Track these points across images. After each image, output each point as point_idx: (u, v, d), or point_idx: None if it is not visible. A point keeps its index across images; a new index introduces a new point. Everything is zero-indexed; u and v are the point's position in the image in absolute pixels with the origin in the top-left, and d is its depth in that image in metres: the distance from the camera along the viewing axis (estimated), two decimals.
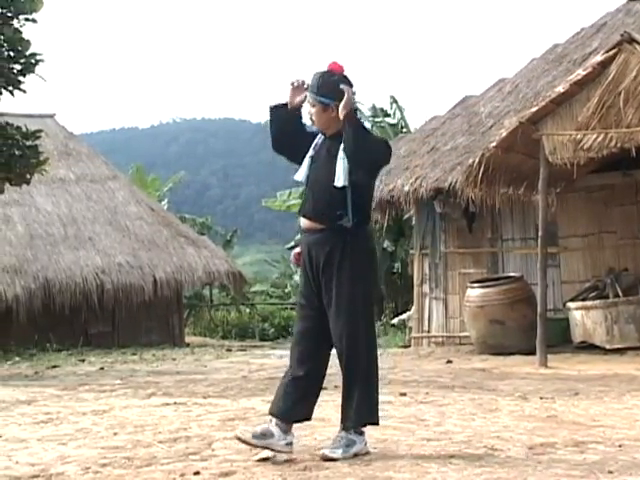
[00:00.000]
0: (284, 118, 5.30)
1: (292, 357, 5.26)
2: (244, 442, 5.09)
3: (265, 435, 5.05)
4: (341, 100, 5.09)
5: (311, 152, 5.30)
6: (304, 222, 5.26)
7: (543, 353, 11.25)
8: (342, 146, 5.10)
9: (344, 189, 5.07)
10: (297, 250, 5.33)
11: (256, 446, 5.06)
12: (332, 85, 5.14)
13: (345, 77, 5.22)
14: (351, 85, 5.20)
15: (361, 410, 5.07)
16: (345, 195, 5.08)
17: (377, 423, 5.21)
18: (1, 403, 8.41)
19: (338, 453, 4.92)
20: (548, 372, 10.47)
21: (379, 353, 5.33)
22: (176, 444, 5.68)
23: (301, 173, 5.31)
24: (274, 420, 5.13)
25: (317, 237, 5.14)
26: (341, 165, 5.08)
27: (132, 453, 5.39)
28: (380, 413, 5.22)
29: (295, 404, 5.15)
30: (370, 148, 5.07)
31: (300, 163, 5.34)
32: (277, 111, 5.33)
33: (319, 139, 5.31)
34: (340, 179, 5.07)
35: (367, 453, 5.07)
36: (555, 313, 14.12)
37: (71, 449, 5.67)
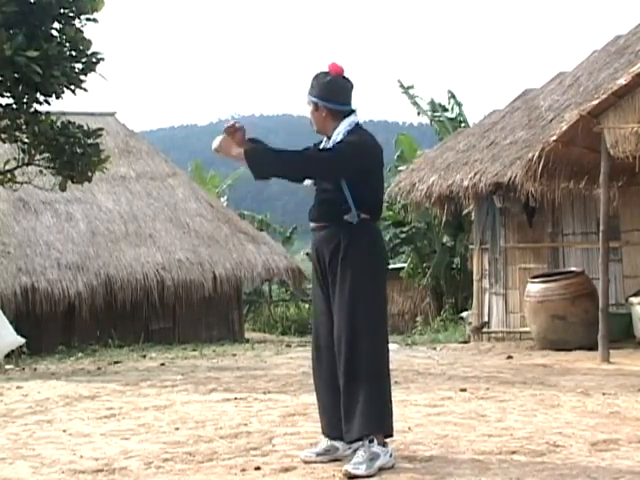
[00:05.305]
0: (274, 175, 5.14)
1: (313, 378, 5.16)
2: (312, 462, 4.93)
3: (329, 450, 4.98)
4: (328, 101, 5.03)
5: None
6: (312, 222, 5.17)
7: (605, 349, 11.12)
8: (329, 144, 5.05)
9: (342, 187, 4.93)
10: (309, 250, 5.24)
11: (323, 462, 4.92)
12: (322, 85, 5.05)
13: (344, 78, 5.09)
14: (352, 86, 5.10)
15: (368, 417, 4.73)
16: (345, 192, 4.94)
17: (390, 434, 4.85)
18: (65, 398, 8.53)
19: (362, 469, 4.58)
20: (610, 368, 10.35)
21: (390, 356, 5.02)
22: (237, 439, 5.72)
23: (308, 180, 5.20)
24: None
25: (323, 233, 5.02)
26: None
27: (193, 448, 5.44)
28: (392, 423, 4.88)
29: (326, 424, 5.09)
30: (299, 167, 5.03)
31: None
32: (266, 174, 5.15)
33: (325, 142, 5.17)
34: None
35: (393, 466, 4.72)
36: (617, 308, 13.94)
37: (134, 444, 5.73)
